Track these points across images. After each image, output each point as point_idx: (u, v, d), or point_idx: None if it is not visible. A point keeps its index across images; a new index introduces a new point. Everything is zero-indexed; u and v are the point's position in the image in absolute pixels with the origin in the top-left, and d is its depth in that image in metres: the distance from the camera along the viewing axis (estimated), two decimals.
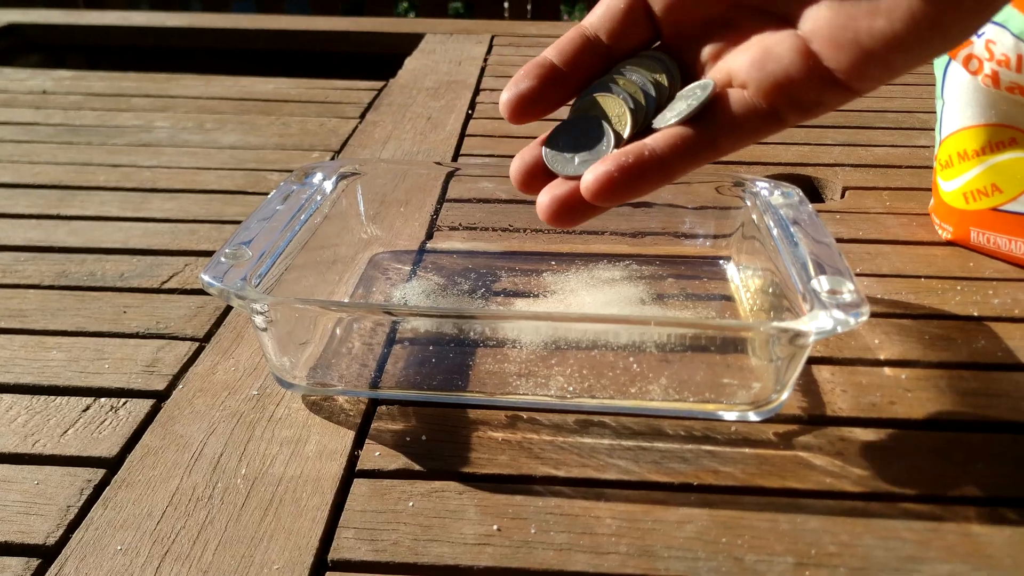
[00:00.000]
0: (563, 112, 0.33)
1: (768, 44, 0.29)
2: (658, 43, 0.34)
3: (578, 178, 0.31)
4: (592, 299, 0.45)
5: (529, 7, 2.11)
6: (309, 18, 1.09)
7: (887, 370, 0.41)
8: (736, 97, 0.30)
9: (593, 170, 0.30)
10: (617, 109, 0.32)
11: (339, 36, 1.06)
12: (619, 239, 0.51)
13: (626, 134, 0.32)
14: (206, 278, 0.36)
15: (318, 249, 0.45)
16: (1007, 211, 0.50)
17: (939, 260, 0.52)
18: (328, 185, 0.46)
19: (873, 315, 0.45)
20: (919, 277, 0.49)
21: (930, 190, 0.59)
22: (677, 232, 0.51)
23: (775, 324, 0.34)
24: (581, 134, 0.32)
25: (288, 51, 1.09)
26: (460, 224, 0.53)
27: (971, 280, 0.49)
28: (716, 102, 0.30)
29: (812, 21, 0.28)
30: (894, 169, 0.65)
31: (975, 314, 0.46)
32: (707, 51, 0.32)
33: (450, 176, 0.52)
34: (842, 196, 0.61)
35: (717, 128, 0.30)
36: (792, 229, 0.41)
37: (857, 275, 0.50)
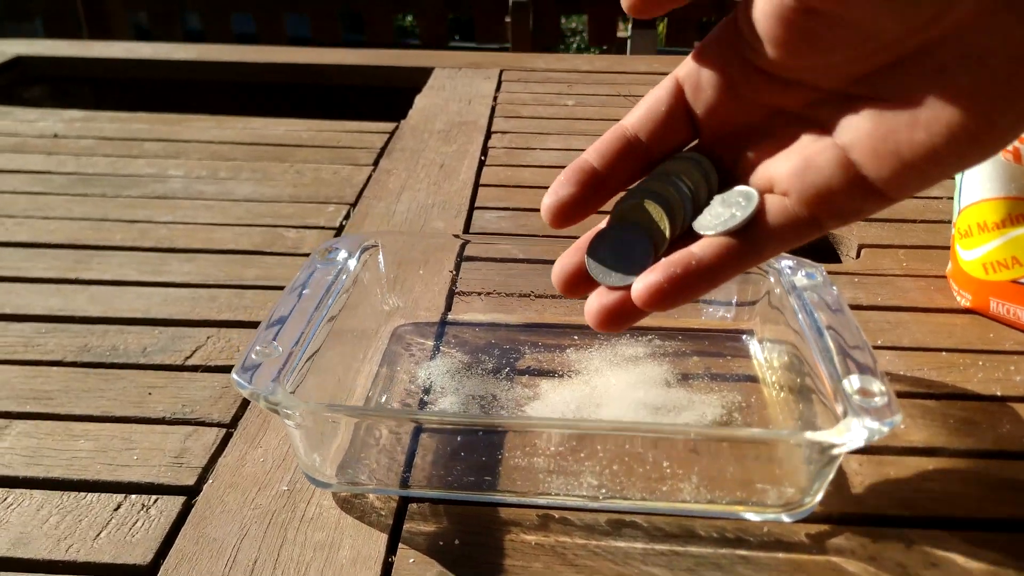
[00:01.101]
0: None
1: (809, 154, 0.30)
2: (696, 141, 0.34)
3: (622, 288, 0.31)
4: (617, 380, 0.45)
5: (531, 18, 2.11)
6: (316, 50, 1.09)
7: (914, 459, 0.41)
8: (778, 206, 0.30)
9: (643, 279, 0.30)
10: (657, 215, 0.32)
11: (348, 70, 1.05)
12: None
13: (666, 243, 0.32)
14: (237, 379, 0.36)
15: (343, 322, 0.45)
16: None
17: (959, 331, 0.52)
18: (352, 263, 0.46)
19: (898, 395, 0.46)
20: (940, 351, 0.50)
21: (945, 248, 0.59)
22: (699, 299, 0.51)
23: (809, 436, 0.34)
24: (622, 244, 0.32)
25: (296, 83, 1.09)
26: (479, 291, 0.53)
27: (992, 354, 0.49)
28: (759, 212, 0.30)
29: (852, 131, 0.29)
30: (909, 224, 0.65)
31: (998, 393, 0.46)
32: (746, 155, 0.32)
33: (465, 245, 0.52)
34: (858, 255, 0.61)
35: (761, 237, 0.30)
36: (817, 315, 0.41)
37: (878, 347, 0.50)
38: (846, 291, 0.56)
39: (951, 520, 0.38)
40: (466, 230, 0.64)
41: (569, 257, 0.33)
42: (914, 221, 0.66)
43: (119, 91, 1.12)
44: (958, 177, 0.53)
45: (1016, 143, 0.48)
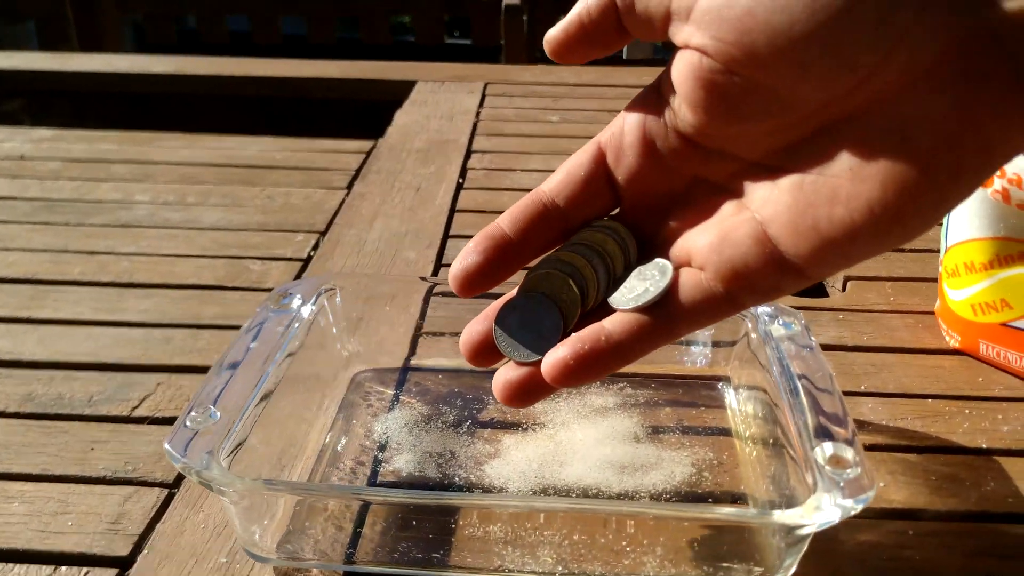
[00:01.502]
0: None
1: (727, 228, 0.29)
2: (616, 210, 0.33)
3: (529, 364, 0.30)
4: (584, 435, 0.43)
5: (526, 19, 2.09)
6: (297, 63, 1.06)
7: (893, 523, 0.39)
8: (693, 282, 0.29)
9: (551, 355, 0.29)
10: (567, 287, 0.31)
11: (329, 83, 1.03)
12: None
13: (576, 316, 0.31)
14: (170, 450, 0.34)
15: (297, 368, 0.43)
16: (1017, 327, 0.48)
17: (947, 374, 0.49)
18: (307, 310, 0.44)
19: (879, 448, 0.43)
20: (926, 397, 0.47)
21: (933, 280, 0.56)
22: (675, 343, 0.49)
23: (776, 517, 0.32)
24: (531, 315, 0.31)
25: (277, 97, 1.07)
26: (446, 331, 0.50)
27: (980, 400, 0.47)
28: (674, 287, 0.29)
29: (772, 205, 0.27)
30: (896, 254, 0.63)
31: (983, 446, 0.44)
32: (667, 225, 0.31)
33: (432, 288, 0.50)
34: (844, 287, 0.59)
35: (674, 313, 0.29)
36: (792, 370, 0.39)
37: (861, 394, 0.47)
38: (830, 329, 0.53)
39: None
40: (438, 261, 0.62)
41: (477, 325, 0.32)
42: (902, 250, 0.63)
43: (98, 104, 1.09)
44: None
45: (1004, 183, 0.45)
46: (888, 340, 0.53)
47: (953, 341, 0.51)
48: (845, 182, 0.25)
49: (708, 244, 0.29)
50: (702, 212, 0.30)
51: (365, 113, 0.99)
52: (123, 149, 0.83)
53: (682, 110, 0.28)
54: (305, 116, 1.07)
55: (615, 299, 0.30)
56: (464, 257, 0.31)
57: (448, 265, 0.61)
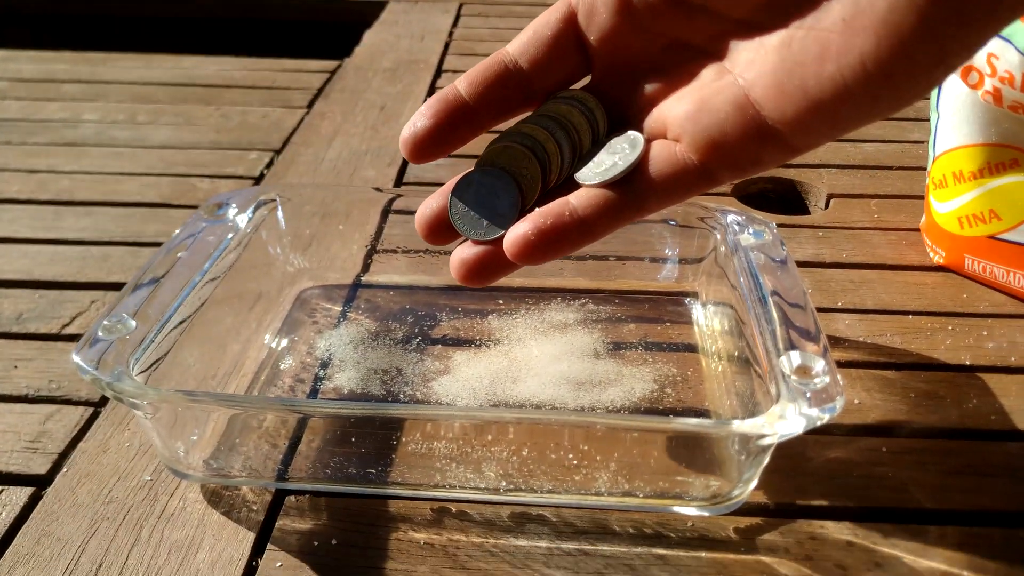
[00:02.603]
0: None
1: (706, 95, 0.26)
2: (587, 79, 0.30)
3: (485, 242, 0.28)
4: (540, 351, 0.40)
5: None
6: None
7: (866, 440, 0.36)
8: (666, 154, 0.27)
9: (513, 231, 0.27)
10: (527, 160, 0.28)
11: (293, 3, 0.98)
12: (577, 267, 0.46)
13: (536, 192, 0.29)
14: (78, 360, 0.31)
15: (233, 285, 0.40)
16: (1005, 240, 0.45)
17: (929, 290, 0.47)
18: (243, 219, 0.41)
19: (855, 365, 0.41)
20: (907, 313, 0.45)
21: (921, 197, 0.54)
22: (640, 256, 0.46)
23: (735, 427, 0.29)
24: (488, 191, 0.29)
25: (244, 18, 1.02)
26: (400, 247, 0.47)
27: (964, 316, 0.44)
28: (644, 160, 0.27)
29: (757, 66, 0.25)
30: (884, 171, 0.60)
31: (967, 362, 0.41)
32: (642, 94, 0.28)
33: (391, 202, 0.46)
34: (827, 205, 0.56)
35: (644, 188, 0.27)
36: (761, 279, 0.36)
37: (838, 310, 0.45)
38: (809, 246, 0.50)
39: (902, 512, 0.33)
40: (399, 180, 0.59)
41: (433, 201, 0.30)
42: (890, 168, 0.60)
43: (58, 29, 1.04)
44: (933, 120, 0.47)
45: (995, 82, 0.42)
46: (869, 257, 0.50)
47: (937, 257, 0.49)
48: (837, 35, 0.23)
49: (684, 113, 0.26)
50: (680, 78, 0.27)
51: (332, 35, 0.95)
52: (75, 69, 0.78)
53: None
54: (272, 38, 1.03)
55: (581, 174, 0.28)
56: (415, 121, 0.28)
57: (409, 184, 0.58)
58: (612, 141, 0.28)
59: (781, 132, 0.24)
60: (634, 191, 0.27)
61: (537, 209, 0.28)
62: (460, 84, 0.29)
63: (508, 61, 0.29)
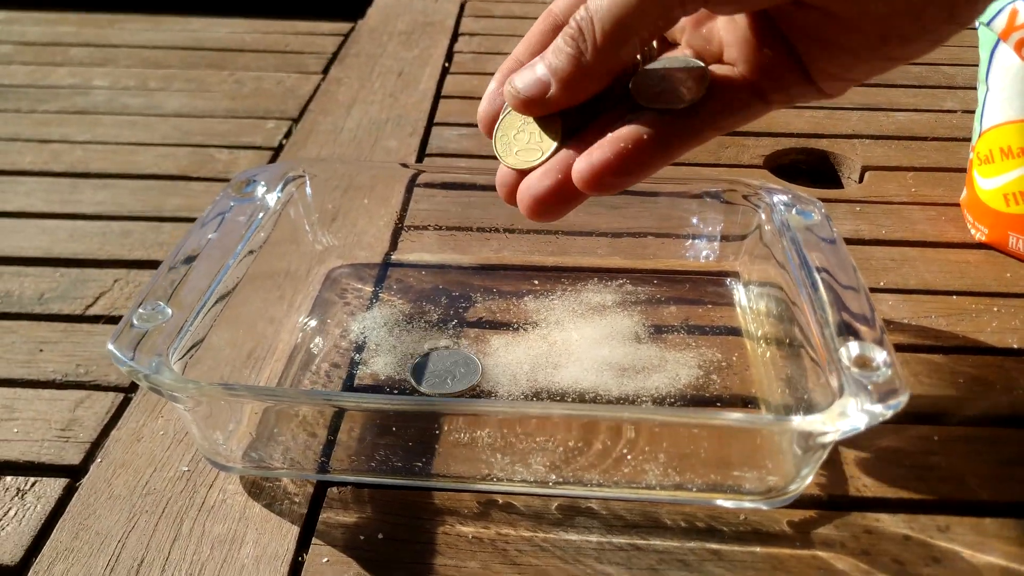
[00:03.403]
0: None
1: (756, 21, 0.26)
2: None
3: (566, 169, 0.27)
4: (580, 335, 0.39)
5: None
6: None
7: (916, 428, 0.36)
8: (724, 77, 0.27)
9: (587, 157, 0.26)
10: None
11: None
12: (612, 244, 0.44)
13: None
14: (114, 351, 0.30)
15: (264, 265, 0.39)
16: None
17: (972, 269, 0.46)
18: (272, 198, 0.40)
19: (902, 348, 0.40)
20: (951, 294, 0.44)
21: (959, 170, 0.52)
22: (678, 234, 0.44)
23: (796, 424, 0.28)
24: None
25: None
26: (430, 224, 0.46)
27: (1009, 297, 0.43)
28: (707, 83, 0.27)
29: None
30: (918, 142, 0.58)
31: (1014, 346, 0.40)
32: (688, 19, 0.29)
33: (416, 176, 0.45)
34: (861, 179, 0.55)
35: (710, 111, 0.27)
36: (812, 263, 0.35)
37: (880, 290, 0.44)
38: (846, 222, 0.49)
39: (958, 504, 0.32)
40: (422, 150, 0.57)
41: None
42: (924, 139, 0.58)
43: None
44: (981, 93, 0.46)
45: None
46: (909, 233, 0.49)
47: (980, 234, 0.47)
48: None
49: (737, 38, 0.27)
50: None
51: None
52: (81, 32, 0.76)
53: None
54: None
55: (643, 95, 0.27)
56: (490, 96, 0.29)
57: (432, 155, 0.56)
58: (669, 61, 0.28)
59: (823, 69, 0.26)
60: (702, 113, 0.27)
61: (608, 135, 0.26)
62: (519, 53, 0.29)
63: (560, 21, 0.28)
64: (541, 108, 0.27)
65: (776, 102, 0.28)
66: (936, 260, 0.46)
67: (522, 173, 0.28)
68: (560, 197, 0.27)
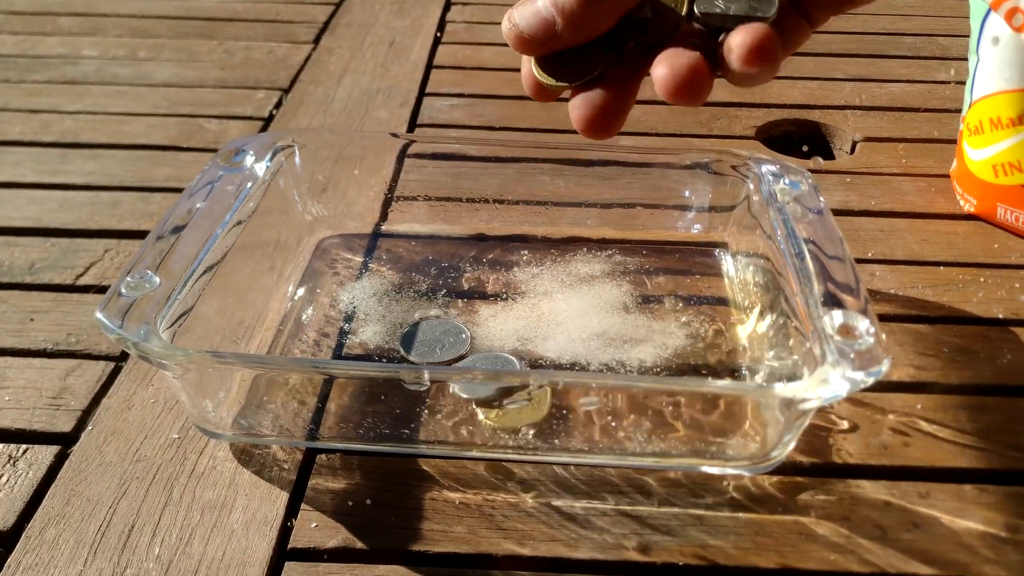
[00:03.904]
0: None
1: None
2: None
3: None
4: (569, 305, 0.39)
5: None
6: None
7: (900, 397, 0.36)
8: None
9: (747, 31, 0.25)
10: None
11: None
12: (601, 215, 0.45)
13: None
14: (102, 318, 0.30)
15: (253, 235, 0.39)
16: None
17: (960, 240, 0.46)
18: (261, 166, 0.40)
19: (887, 318, 0.40)
20: (938, 264, 0.44)
21: (951, 142, 0.52)
22: (667, 204, 0.45)
23: (778, 390, 0.28)
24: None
25: None
26: (420, 195, 0.46)
27: (996, 268, 0.44)
28: None
29: None
30: (911, 113, 0.58)
31: (1000, 316, 0.40)
32: None
33: (407, 147, 0.45)
34: (852, 149, 0.55)
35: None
36: (798, 233, 0.35)
37: (868, 260, 0.44)
38: (836, 193, 0.49)
39: (939, 471, 0.33)
40: (412, 121, 0.57)
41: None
42: (917, 110, 0.58)
43: None
44: (972, 64, 0.46)
45: None
46: (898, 204, 0.49)
47: (968, 205, 0.47)
48: None
49: None
50: None
51: None
52: (71, 1, 0.75)
53: None
54: None
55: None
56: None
57: (423, 125, 0.56)
58: None
59: None
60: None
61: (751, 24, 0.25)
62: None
63: None
64: (540, 47, 0.26)
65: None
66: (924, 231, 0.47)
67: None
68: (702, 77, 0.25)
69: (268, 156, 0.40)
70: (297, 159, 0.42)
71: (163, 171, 0.50)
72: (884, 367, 0.28)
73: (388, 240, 0.44)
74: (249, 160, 0.40)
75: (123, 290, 0.31)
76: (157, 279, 0.32)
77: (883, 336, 0.29)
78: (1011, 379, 0.37)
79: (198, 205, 0.36)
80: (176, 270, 0.33)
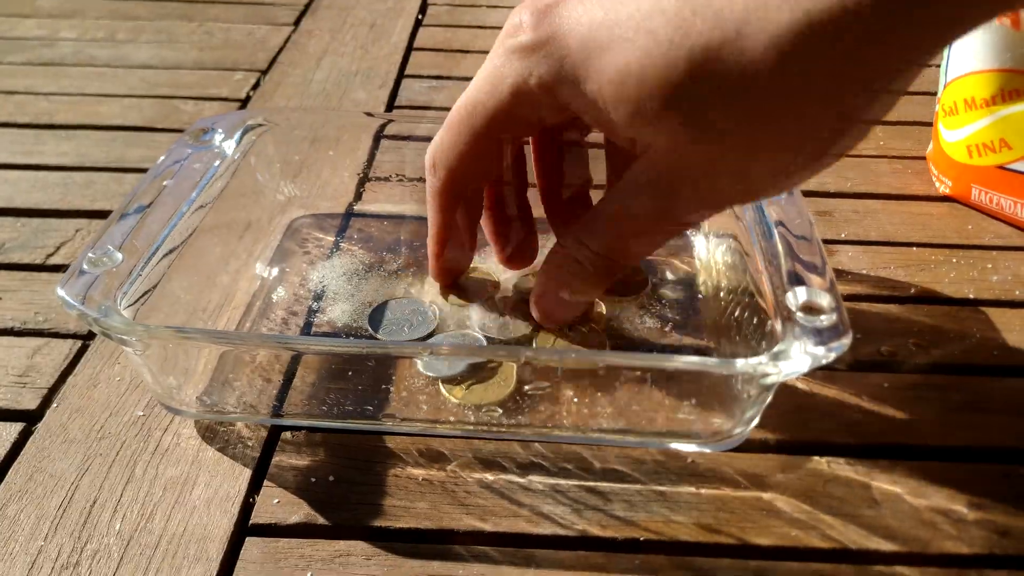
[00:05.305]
0: None
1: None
2: None
3: None
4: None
5: None
6: None
7: (867, 376, 0.36)
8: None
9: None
10: None
11: None
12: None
13: None
14: (63, 295, 0.30)
15: (222, 215, 0.39)
16: (1014, 170, 0.44)
17: (935, 221, 0.46)
18: (230, 145, 0.39)
19: (857, 298, 0.40)
20: (911, 245, 0.44)
21: (928, 124, 0.52)
22: None
23: (739, 365, 0.28)
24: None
25: None
26: (393, 175, 0.46)
27: (969, 249, 0.44)
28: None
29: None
30: None
31: (970, 296, 0.41)
32: None
33: (383, 127, 0.45)
34: None
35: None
36: (767, 211, 0.35)
37: (841, 242, 0.44)
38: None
39: (903, 448, 0.33)
40: (391, 102, 0.57)
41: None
42: None
43: None
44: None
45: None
46: (873, 186, 0.49)
47: (943, 187, 0.47)
48: None
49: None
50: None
51: None
52: None
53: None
54: None
55: None
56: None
57: (401, 107, 0.56)
58: None
59: None
60: None
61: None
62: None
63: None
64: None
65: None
66: (899, 212, 0.47)
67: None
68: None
69: (237, 135, 0.40)
70: (269, 138, 0.42)
71: (137, 152, 0.50)
72: (845, 342, 0.28)
73: (360, 220, 0.44)
74: (218, 138, 0.39)
75: (85, 267, 0.31)
76: (120, 256, 0.32)
77: (846, 313, 0.29)
78: (979, 358, 0.37)
79: (165, 183, 0.36)
80: (139, 247, 0.32)
